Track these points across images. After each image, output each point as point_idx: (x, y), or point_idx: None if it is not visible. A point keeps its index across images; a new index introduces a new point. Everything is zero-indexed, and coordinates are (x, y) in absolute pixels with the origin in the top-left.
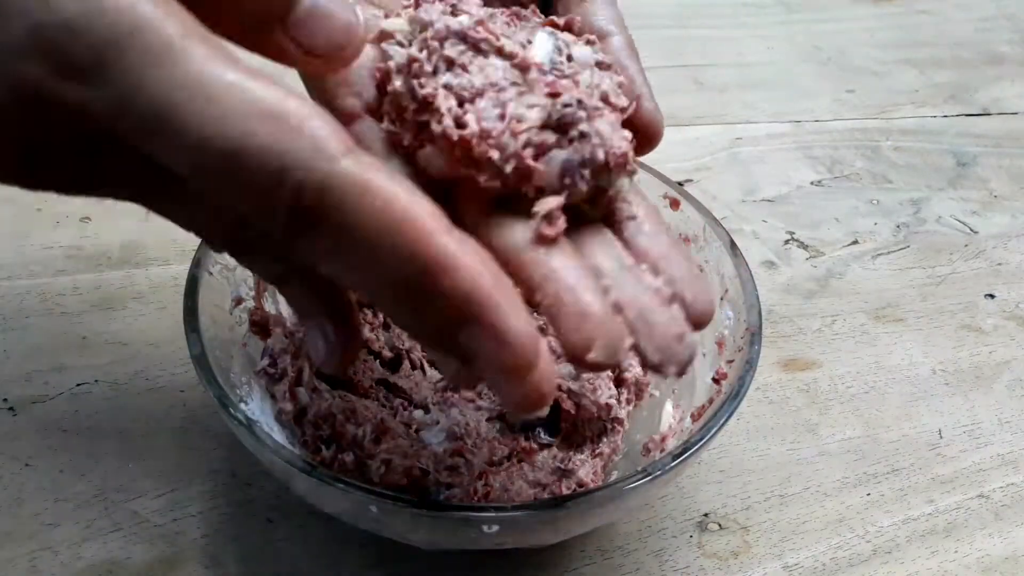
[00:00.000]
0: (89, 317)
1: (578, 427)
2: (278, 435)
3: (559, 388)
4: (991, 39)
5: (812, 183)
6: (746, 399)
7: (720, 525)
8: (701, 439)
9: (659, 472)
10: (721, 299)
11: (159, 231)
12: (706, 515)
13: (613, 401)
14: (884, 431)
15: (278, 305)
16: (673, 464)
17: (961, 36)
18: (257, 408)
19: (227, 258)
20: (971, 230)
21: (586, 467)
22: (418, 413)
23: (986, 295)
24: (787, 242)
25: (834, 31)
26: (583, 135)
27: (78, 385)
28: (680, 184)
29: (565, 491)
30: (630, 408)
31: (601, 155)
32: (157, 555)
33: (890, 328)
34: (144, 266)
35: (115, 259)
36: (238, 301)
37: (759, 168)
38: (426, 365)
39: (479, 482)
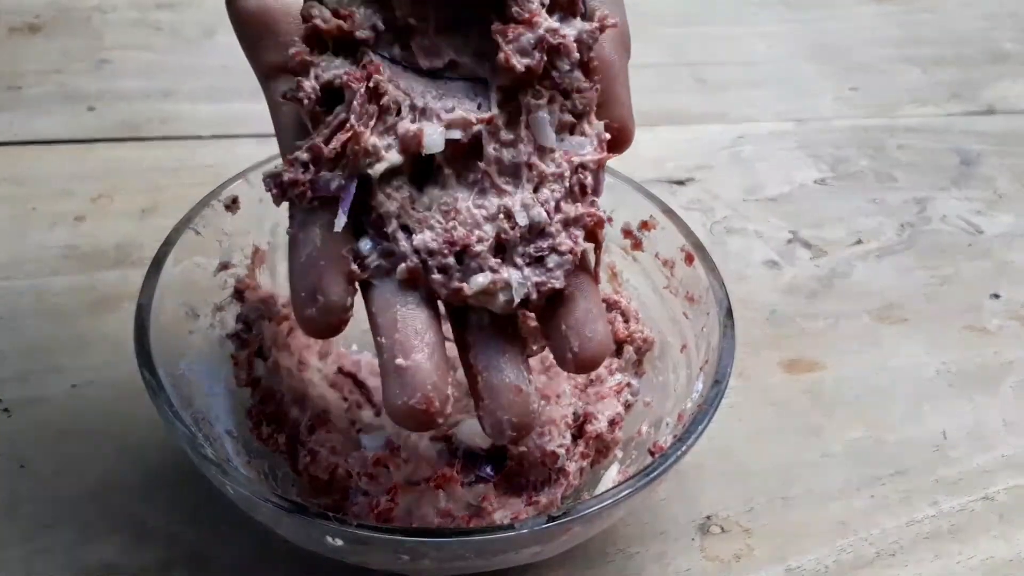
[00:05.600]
0: (85, 317)
1: (523, 469)
2: (222, 402)
3: None
4: (995, 37)
5: (815, 182)
6: (748, 400)
7: (722, 528)
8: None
9: (526, 529)
10: (700, 370)
11: (154, 231)
12: (708, 518)
13: (561, 451)
14: (888, 433)
15: (275, 280)
16: (550, 526)
17: (965, 34)
18: (204, 370)
19: (222, 222)
20: (976, 229)
21: (509, 510)
22: (367, 414)
23: (991, 295)
24: (790, 241)
25: (837, 29)
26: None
27: (73, 386)
28: (681, 183)
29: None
30: (584, 464)
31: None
32: (153, 557)
33: (894, 329)
34: (140, 266)
35: (111, 259)
36: (224, 266)
37: (762, 167)
38: None
39: (385, 497)
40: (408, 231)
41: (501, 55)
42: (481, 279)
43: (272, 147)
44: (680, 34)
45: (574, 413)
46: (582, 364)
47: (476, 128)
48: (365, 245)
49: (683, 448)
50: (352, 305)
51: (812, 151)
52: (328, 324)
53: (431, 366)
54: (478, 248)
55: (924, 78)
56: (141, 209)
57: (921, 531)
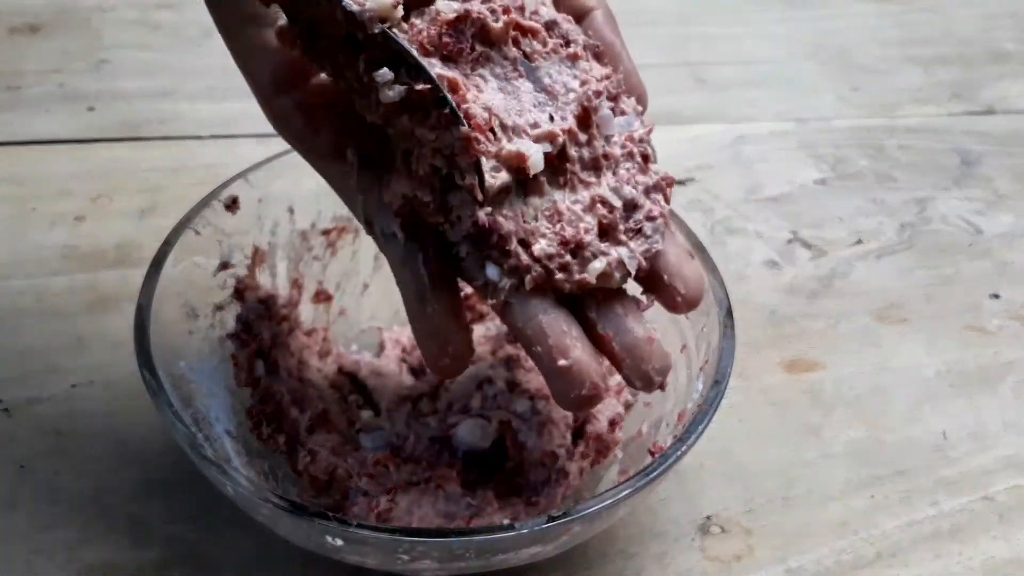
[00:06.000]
0: (84, 317)
1: (523, 469)
2: (222, 403)
3: (508, 424)
4: (996, 37)
5: (815, 182)
6: (748, 400)
7: (723, 528)
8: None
9: (526, 529)
10: (700, 370)
11: (154, 231)
12: (708, 518)
13: (561, 452)
14: (888, 433)
15: (275, 280)
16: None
17: (965, 34)
18: (204, 370)
19: (222, 222)
20: (976, 229)
21: (509, 511)
22: (367, 414)
23: (991, 295)
24: (790, 241)
25: (837, 28)
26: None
27: (73, 386)
28: (681, 183)
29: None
30: (584, 464)
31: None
32: (153, 558)
33: (894, 329)
34: (139, 266)
35: (110, 259)
36: (224, 266)
37: (762, 167)
38: (404, 369)
39: (385, 497)
40: (526, 244)
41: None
42: (598, 264)
43: (272, 147)
44: (680, 34)
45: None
46: (691, 301)
47: (561, 139)
48: (492, 272)
49: (683, 448)
50: (472, 344)
51: (812, 151)
52: (461, 367)
53: (587, 356)
54: (588, 239)
55: (924, 78)
56: (141, 209)
57: (921, 531)
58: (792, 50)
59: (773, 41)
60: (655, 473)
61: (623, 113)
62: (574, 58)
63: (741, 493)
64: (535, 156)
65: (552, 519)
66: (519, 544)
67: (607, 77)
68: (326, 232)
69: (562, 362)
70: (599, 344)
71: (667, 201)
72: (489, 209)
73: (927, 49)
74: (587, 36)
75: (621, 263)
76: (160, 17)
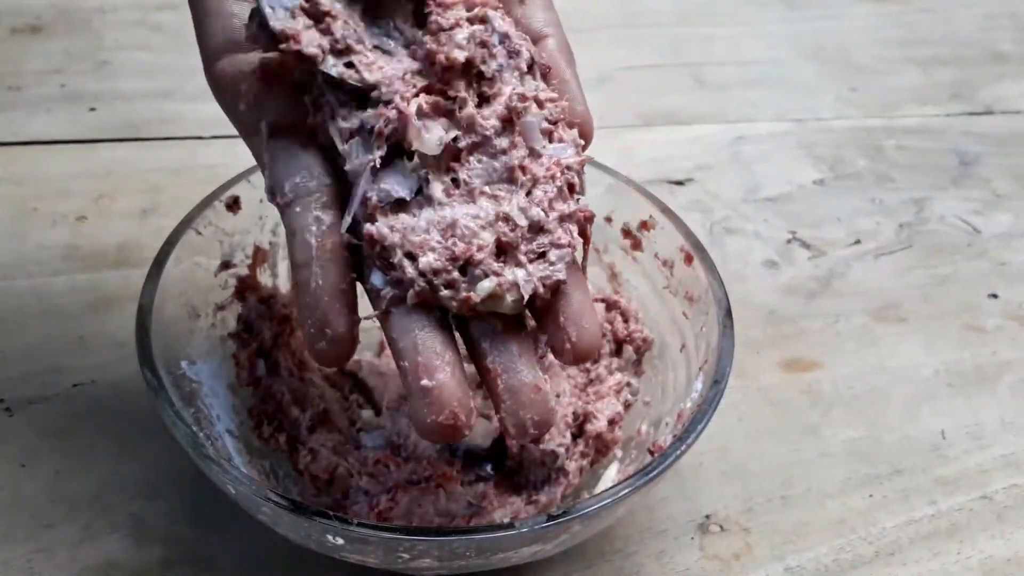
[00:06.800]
0: (86, 317)
1: (523, 468)
2: (223, 402)
3: None
4: (994, 37)
5: (814, 182)
6: (747, 400)
7: (721, 527)
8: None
9: (526, 529)
10: (699, 370)
11: (155, 231)
12: (707, 517)
13: (561, 450)
14: (886, 432)
15: (276, 280)
16: (549, 525)
17: (964, 34)
18: (205, 369)
19: (224, 222)
20: (974, 230)
21: (509, 509)
22: (368, 413)
23: (989, 295)
24: (789, 241)
25: (836, 29)
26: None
27: (75, 386)
28: (681, 183)
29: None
30: (584, 463)
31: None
32: (154, 557)
33: (892, 328)
34: (141, 266)
35: (112, 259)
36: (226, 265)
37: (761, 167)
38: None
39: (385, 496)
40: (412, 258)
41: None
42: (487, 284)
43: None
44: (679, 34)
45: (574, 412)
46: (580, 354)
47: (472, 134)
48: (377, 279)
49: (682, 447)
50: (357, 336)
51: (811, 151)
52: (338, 355)
53: (454, 383)
54: (479, 256)
55: (923, 78)
56: (142, 209)
57: (920, 530)
58: (791, 50)
59: (773, 41)
60: (654, 472)
61: (560, 140)
62: (519, 69)
63: (740, 492)
64: (431, 134)
65: (552, 518)
66: (519, 543)
67: (551, 100)
68: None
69: (425, 382)
70: (483, 376)
71: (584, 237)
72: (376, 219)
73: (926, 49)
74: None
75: (515, 286)
76: (161, 18)
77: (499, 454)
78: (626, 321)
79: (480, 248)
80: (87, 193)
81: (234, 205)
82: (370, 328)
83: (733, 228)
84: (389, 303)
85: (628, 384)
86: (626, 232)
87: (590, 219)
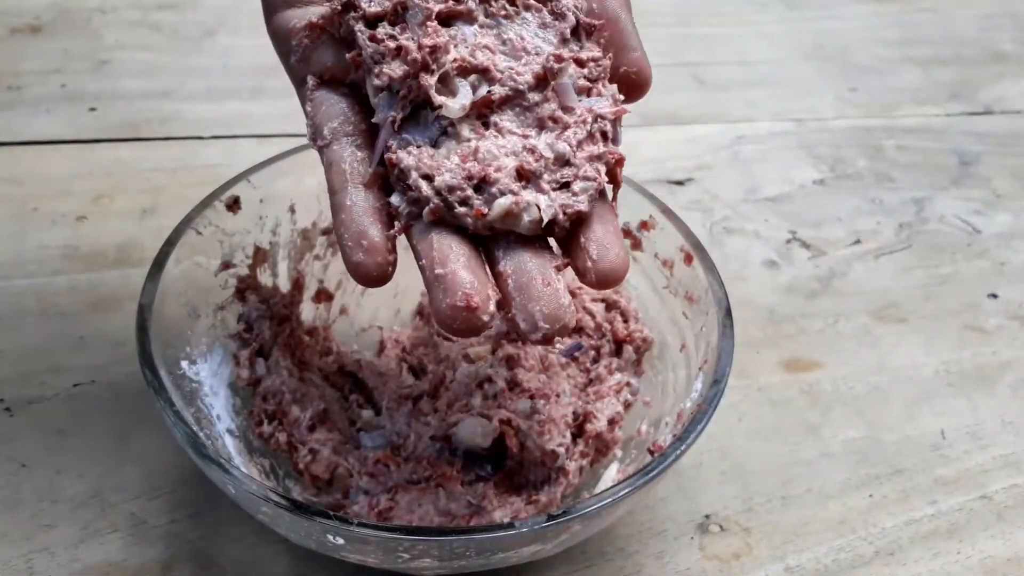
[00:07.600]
0: (86, 317)
1: (523, 467)
2: (223, 402)
3: (508, 423)
4: (994, 37)
5: (814, 182)
6: (747, 400)
7: (721, 527)
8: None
9: (527, 528)
10: (699, 369)
11: (155, 231)
12: (707, 517)
13: (561, 450)
14: (887, 432)
15: (276, 280)
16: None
17: (964, 34)
18: (205, 369)
19: (224, 222)
20: (974, 229)
21: (509, 509)
22: (368, 413)
23: (989, 295)
24: (789, 241)
25: (836, 29)
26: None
27: (75, 385)
28: (681, 183)
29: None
30: (584, 463)
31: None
32: (154, 557)
33: (893, 328)
34: (140, 266)
35: (111, 259)
36: (226, 265)
37: (761, 167)
38: (404, 369)
39: (385, 496)
40: (429, 179)
41: None
42: (504, 201)
43: (273, 147)
44: (679, 34)
45: (574, 412)
46: (602, 274)
47: (502, 88)
48: (395, 199)
49: (682, 447)
50: (395, 248)
51: (811, 151)
52: (376, 265)
53: (467, 272)
54: (497, 176)
55: (923, 78)
56: (142, 209)
57: (920, 530)
58: (791, 50)
59: (772, 41)
60: (654, 472)
61: (598, 95)
62: (563, 33)
63: (740, 492)
64: (461, 94)
65: (552, 518)
66: (519, 543)
67: (593, 60)
68: (327, 231)
69: (438, 270)
70: (497, 280)
71: (614, 180)
72: (393, 145)
73: (926, 49)
74: (592, 9)
75: (531, 206)
76: (161, 18)
77: (499, 454)
78: (626, 321)
79: (498, 169)
80: (87, 193)
81: (234, 205)
82: (369, 328)
83: (733, 228)
84: (407, 219)
85: (628, 384)
86: (626, 232)
87: (620, 162)
